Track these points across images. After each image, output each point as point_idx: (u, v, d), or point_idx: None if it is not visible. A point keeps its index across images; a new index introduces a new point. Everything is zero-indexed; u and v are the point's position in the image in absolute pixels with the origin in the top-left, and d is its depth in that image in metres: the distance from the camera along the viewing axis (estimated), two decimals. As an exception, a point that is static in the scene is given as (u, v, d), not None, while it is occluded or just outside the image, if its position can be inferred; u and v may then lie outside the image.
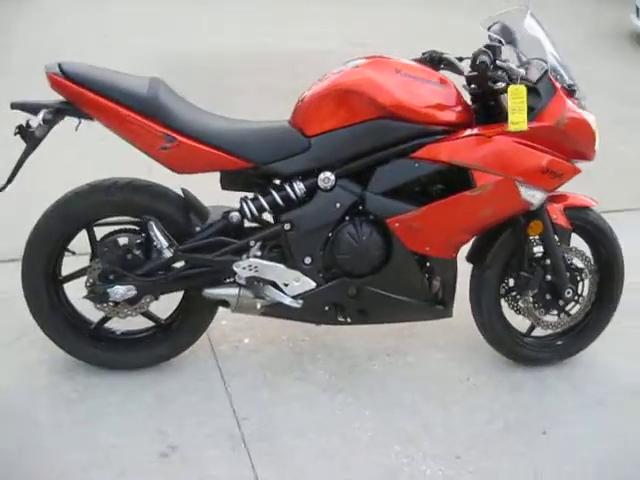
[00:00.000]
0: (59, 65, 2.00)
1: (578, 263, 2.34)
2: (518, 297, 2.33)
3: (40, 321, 2.20)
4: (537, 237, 2.26)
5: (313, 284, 2.15)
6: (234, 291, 2.16)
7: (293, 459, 2.02)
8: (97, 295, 2.12)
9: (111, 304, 2.15)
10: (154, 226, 2.04)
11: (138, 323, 2.31)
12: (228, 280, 2.16)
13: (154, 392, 2.22)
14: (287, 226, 2.11)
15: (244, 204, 2.12)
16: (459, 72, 2.23)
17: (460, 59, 2.26)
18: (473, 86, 2.20)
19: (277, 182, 2.16)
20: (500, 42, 2.11)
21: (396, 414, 2.21)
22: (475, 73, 2.12)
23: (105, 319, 2.27)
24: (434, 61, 2.28)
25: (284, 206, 2.12)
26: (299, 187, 2.11)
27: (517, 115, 1.96)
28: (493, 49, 2.06)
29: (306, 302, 2.15)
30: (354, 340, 2.50)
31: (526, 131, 1.99)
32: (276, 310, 2.18)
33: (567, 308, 2.33)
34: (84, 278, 2.18)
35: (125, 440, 2.04)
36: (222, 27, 6.57)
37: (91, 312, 2.27)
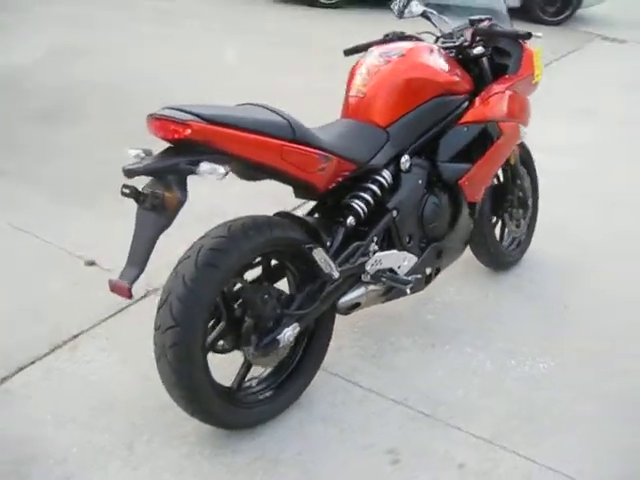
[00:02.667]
0: (182, 110, 1.73)
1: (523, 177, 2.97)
2: (500, 216, 2.87)
3: (198, 403, 1.91)
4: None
5: (415, 259, 2.33)
6: (362, 290, 2.21)
7: (465, 405, 2.26)
8: (267, 348, 1.95)
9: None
10: (322, 252, 1.96)
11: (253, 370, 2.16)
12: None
13: (321, 418, 2.16)
14: (394, 213, 2.23)
15: (355, 205, 2.16)
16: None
17: (419, 33, 2.62)
18: (451, 54, 2.57)
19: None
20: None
21: (482, 339, 2.57)
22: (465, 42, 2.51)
23: (244, 377, 2.07)
24: (401, 39, 2.57)
25: (380, 196, 2.22)
26: (387, 176, 2.24)
27: (538, 70, 2.46)
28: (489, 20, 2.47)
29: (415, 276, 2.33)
30: (389, 306, 2.69)
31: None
32: (394, 293, 2.30)
33: (527, 213, 2.97)
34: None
35: (350, 470, 2.01)
36: None
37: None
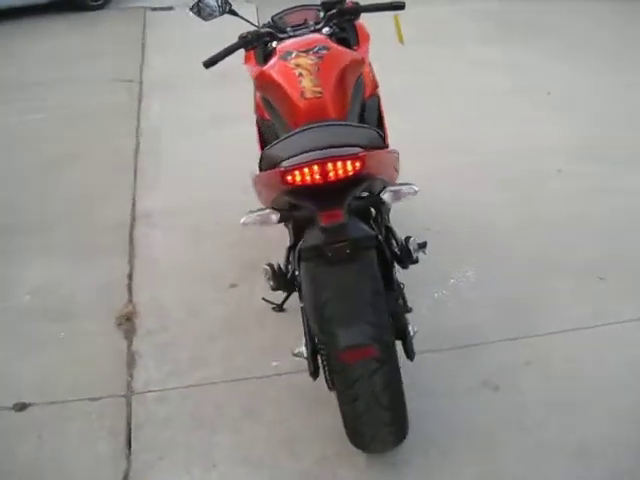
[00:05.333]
0: (334, 146, 1.65)
1: None
2: None
3: (403, 428, 1.88)
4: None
5: None
6: None
7: (470, 325, 2.56)
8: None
9: None
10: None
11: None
12: None
13: (418, 393, 2.21)
14: None
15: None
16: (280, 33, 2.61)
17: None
18: None
19: None
20: None
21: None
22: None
23: None
24: (260, 36, 2.54)
25: None
26: None
27: (401, 33, 2.72)
28: None
29: None
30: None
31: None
32: None
33: None
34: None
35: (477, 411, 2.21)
36: None
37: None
